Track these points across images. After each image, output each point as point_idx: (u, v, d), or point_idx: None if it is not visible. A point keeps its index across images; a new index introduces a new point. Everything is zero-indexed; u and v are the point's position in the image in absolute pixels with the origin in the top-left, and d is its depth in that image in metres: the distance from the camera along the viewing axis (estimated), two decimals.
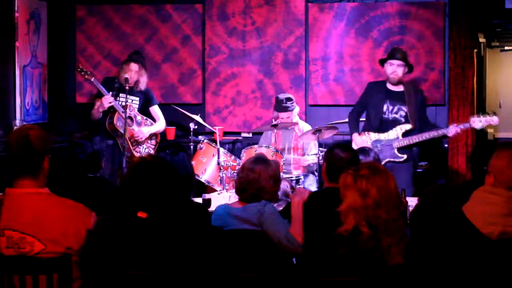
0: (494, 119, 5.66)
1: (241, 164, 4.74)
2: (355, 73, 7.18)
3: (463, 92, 7.02)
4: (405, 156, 5.78)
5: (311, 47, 7.23)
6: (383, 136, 5.84)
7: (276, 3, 7.27)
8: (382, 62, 5.99)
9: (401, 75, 5.86)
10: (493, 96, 12.23)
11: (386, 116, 5.86)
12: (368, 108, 5.99)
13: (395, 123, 5.84)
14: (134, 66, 6.42)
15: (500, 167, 2.80)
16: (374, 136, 5.86)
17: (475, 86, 7.33)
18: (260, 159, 3.91)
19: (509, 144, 2.85)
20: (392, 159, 5.79)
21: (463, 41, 7.00)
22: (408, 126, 5.78)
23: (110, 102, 6.19)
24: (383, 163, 5.69)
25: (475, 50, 7.67)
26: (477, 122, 5.67)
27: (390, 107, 5.86)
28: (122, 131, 6.16)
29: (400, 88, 5.89)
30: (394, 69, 5.83)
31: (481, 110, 10.08)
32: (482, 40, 10.18)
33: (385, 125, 5.85)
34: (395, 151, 5.78)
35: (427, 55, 7.04)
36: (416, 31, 7.05)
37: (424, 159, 6.89)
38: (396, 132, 5.81)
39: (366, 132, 5.92)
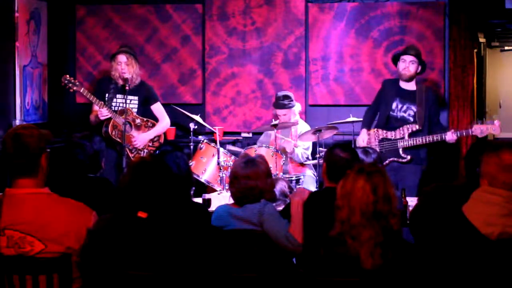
0: (496, 128, 5.54)
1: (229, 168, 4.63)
2: (355, 73, 7.18)
3: (463, 92, 7.01)
4: (408, 157, 5.70)
5: (311, 47, 7.23)
6: (390, 134, 5.79)
7: (276, 3, 7.26)
8: (396, 59, 5.93)
9: (413, 72, 5.82)
10: (493, 96, 12.22)
11: (394, 114, 5.82)
12: (380, 105, 5.96)
13: (402, 122, 5.79)
14: (121, 58, 6.00)
15: (491, 173, 2.78)
16: (381, 134, 5.82)
17: (475, 86, 7.32)
18: (249, 162, 3.79)
19: (495, 147, 2.81)
20: (396, 159, 5.74)
21: (463, 41, 6.99)
22: (415, 127, 5.71)
23: (104, 116, 5.84)
24: (387, 162, 5.68)
25: (475, 50, 7.67)
26: (478, 130, 5.56)
27: (400, 105, 5.82)
28: (118, 139, 5.87)
29: (413, 87, 5.85)
30: (407, 65, 5.80)
31: (481, 110, 10.08)
32: (482, 40, 10.17)
33: (392, 123, 5.81)
34: (400, 151, 5.73)
35: (427, 55, 7.02)
36: (416, 31, 7.05)
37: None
38: (402, 132, 5.76)
39: (375, 129, 5.88)
